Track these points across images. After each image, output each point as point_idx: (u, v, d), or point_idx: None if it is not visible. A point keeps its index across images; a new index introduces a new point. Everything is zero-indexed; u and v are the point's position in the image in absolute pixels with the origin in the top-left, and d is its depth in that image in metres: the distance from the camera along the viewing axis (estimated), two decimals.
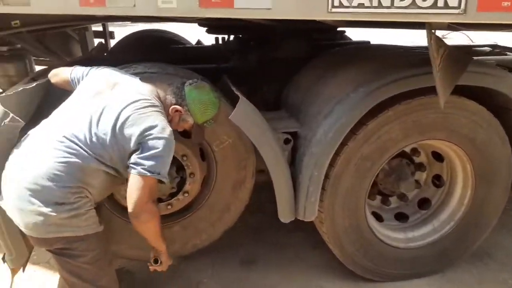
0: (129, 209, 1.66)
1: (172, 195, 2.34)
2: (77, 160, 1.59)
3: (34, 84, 2.11)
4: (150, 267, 1.94)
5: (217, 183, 2.37)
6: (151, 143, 1.63)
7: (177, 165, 2.28)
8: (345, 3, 1.51)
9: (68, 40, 5.01)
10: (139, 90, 1.78)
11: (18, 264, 1.94)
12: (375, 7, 1.48)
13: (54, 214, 1.55)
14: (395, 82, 1.99)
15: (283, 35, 2.90)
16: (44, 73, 2.95)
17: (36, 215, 1.56)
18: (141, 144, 1.64)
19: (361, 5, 1.48)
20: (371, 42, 3.79)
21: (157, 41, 4.33)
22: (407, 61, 2.21)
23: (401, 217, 2.60)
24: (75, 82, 1.94)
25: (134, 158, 1.63)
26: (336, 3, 1.52)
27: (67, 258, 1.68)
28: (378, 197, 2.59)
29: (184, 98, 1.80)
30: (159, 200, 2.31)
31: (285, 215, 2.16)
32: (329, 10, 1.53)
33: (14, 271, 2.00)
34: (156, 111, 1.73)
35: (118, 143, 1.64)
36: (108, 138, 1.62)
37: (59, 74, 2.05)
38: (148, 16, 2.71)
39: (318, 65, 2.62)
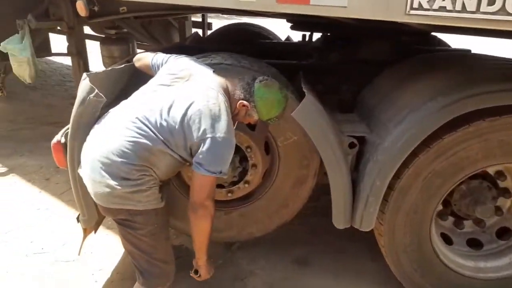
0: (190, 202, 1.80)
1: (234, 184, 2.41)
2: (145, 141, 1.69)
3: (122, 66, 2.31)
4: (190, 275, 2.03)
5: (278, 177, 2.38)
6: (214, 142, 1.69)
7: (241, 156, 2.34)
8: (425, 5, 1.41)
9: (169, 28, 5.38)
10: (211, 83, 1.83)
11: (89, 225, 2.14)
12: (458, 11, 1.36)
13: (119, 187, 1.67)
14: (481, 95, 1.81)
15: (368, 36, 2.78)
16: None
17: (104, 186, 1.68)
18: (204, 141, 1.69)
19: (442, 8, 1.38)
20: (473, 51, 3.47)
21: (246, 34, 4.45)
22: (501, 74, 1.99)
23: (474, 243, 2.37)
24: (155, 68, 2.06)
25: (197, 157, 1.71)
26: (415, 5, 1.43)
27: (128, 228, 1.81)
28: (451, 219, 2.38)
29: (253, 94, 1.83)
30: (221, 186, 2.39)
31: (339, 221, 2.10)
32: (407, 12, 1.45)
33: (86, 232, 2.21)
34: (224, 105, 1.77)
35: (185, 134, 1.71)
36: (176, 126, 1.70)
37: (142, 59, 2.19)
38: (235, 9, 2.81)
39: (400, 70, 2.47)
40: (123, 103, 1.90)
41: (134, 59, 2.25)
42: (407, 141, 1.89)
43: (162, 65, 2.02)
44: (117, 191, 1.68)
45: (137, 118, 1.73)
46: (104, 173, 1.68)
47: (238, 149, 2.33)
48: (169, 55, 2.05)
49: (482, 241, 2.36)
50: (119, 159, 1.67)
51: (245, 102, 1.83)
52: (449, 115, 1.83)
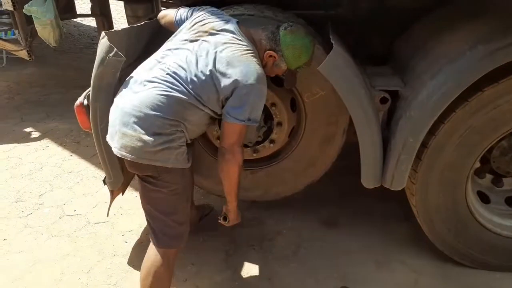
0: (219, 147, 1.81)
1: (258, 143, 2.35)
2: (178, 94, 1.67)
3: (142, 23, 2.23)
4: (218, 221, 2.04)
5: (305, 135, 2.31)
6: (244, 90, 1.67)
7: (266, 113, 2.26)
8: None
9: None
10: (235, 33, 1.79)
11: (116, 187, 2.15)
12: None
13: (151, 142, 1.64)
14: None
15: None
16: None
17: (136, 140, 1.65)
18: (236, 90, 1.67)
19: None
20: None
21: None
22: None
23: None
24: (179, 23, 2.00)
25: (228, 106, 1.70)
26: None
27: (151, 185, 1.80)
28: (489, 176, 2.25)
29: (278, 43, 1.78)
30: (245, 146, 2.34)
31: (368, 180, 2.02)
32: None
33: (113, 194, 2.23)
34: (251, 55, 1.74)
35: (215, 86, 1.68)
36: (206, 79, 1.67)
37: (166, 16, 2.14)
38: None
39: (438, 17, 2.26)
40: (148, 61, 1.85)
41: (158, 16, 2.20)
42: (443, 95, 1.74)
43: (186, 19, 1.97)
44: (149, 146, 1.65)
45: (168, 74, 1.70)
46: (136, 127, 1.65)
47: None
48: (192, 8, 1.98)
49: None
50: (153, 112, 1.64)
51: (272, 52, 1.79)
52: (490, 65, 1.66)
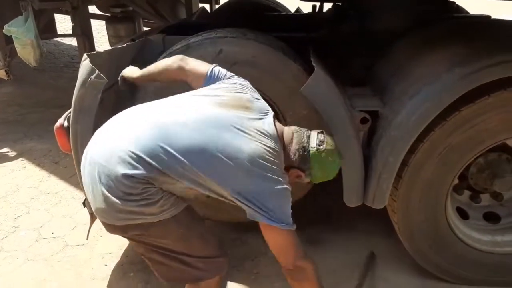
0: (283, 269, 1.58)
1: None
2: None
3: (125, 45, 2.24)
4: None
5: None
6: (275, 199, 1.48)
7: None
8: None
9: (175, 4, 5.26)
10: (267, 128, 1.52)
11: None
12: None
13: (120, 204, 1.36)
14: (501, 64, 1.69)
15: (383, 5, 2.64)
16: (145, 34, 3.14)
17: (104, 201, 1.39)
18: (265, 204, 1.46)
19: None
20: (492, 17, 3.29)
21: (253, 8, 4.31)
22: None
23: (491, 217, 2.29)
24: (210, 79, 1.71)
25: (260, 216, 1.47)
26: None
27: (147, 245, 1.54)
28: (467, 192, 2.30)
29: (308, 161, 1.56)
30: None
31: (351, 199, 2.05)
32: None
33: (93, 216, 2.18)
34: (278, 169, 1.49)
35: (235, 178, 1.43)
36: (221, 166, 1.40)
37: (193, 66, 1.77)
38: None
39: (415, 40, 2.35)
40: (142, 107, 1.59)
41: (177, 59, 1.80)
42: (422, 115, 1.80)
43: (222, 78, 1.70)
44: (120, 206, 1.37)
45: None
46: (104, 187, 1.38)
47: None
48: (232, 74, 1.73)
49: (500, 215, 2.29)
50: (121, 170, 1.35)
51: (299, 172, 1.59)
52: (467, 86, 1.73)
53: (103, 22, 5.09)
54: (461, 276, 2.20)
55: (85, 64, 1.85)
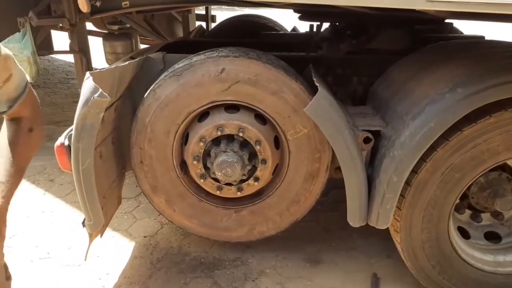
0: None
1: (243, 181, 2.34)
2: None
3: (127, 63, 2.24)
4: None
5: (289, 173, 2.32)
6: None
7: (250, 152, 2.27)
8: None
9: (172, 21, 5.29)
10: None
11: (95, 229, 2.08)
12: None
13: None
14: (504, 85, 1.72)
15: (381, 25, 2.69)
16: (143, 52, 3.15)
17: None
18: None
19: None
20: (486, 38, 3.35)
21: (252, 26, 4.35)
22: None
23: (492, 236, 2.29)
24: None
25: None
26: None
27: None
28: (468, 212, 2.30)
29: None
30: (230, 184, 2.33)
31: (354, 219, 2.03)
32: None
33: (92, 236, 2.15)
34: None
35: None
36: None
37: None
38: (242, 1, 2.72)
39: (414, 60, 2.38)
40: None
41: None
42: (426, 135, 1.81)
43: None
44: None
45: None
46: None
47: (247, 145, 2.27)
48: None
49: (501, 234, 2.29)
50: None
51: None
52: (470, 107, 1.75)
53: (97, 39, 5.10)
54: None
55: (88, 82, 1.84)
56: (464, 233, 2.28)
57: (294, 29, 4.35)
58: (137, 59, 2.40)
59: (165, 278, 2.46)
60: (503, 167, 2.12)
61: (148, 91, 2.26)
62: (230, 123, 2.23)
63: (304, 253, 2.69)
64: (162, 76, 2.28)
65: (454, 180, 1.93)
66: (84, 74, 4.29)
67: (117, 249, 2.71)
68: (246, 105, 2.22)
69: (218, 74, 2.16)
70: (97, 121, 1.87)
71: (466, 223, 2.31)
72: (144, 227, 2.95)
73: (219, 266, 2.56)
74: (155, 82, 2.27)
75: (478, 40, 3.08)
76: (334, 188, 2.36)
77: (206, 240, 2.67)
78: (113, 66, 2.08)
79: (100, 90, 1.81)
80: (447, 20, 3.18)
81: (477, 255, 2.18)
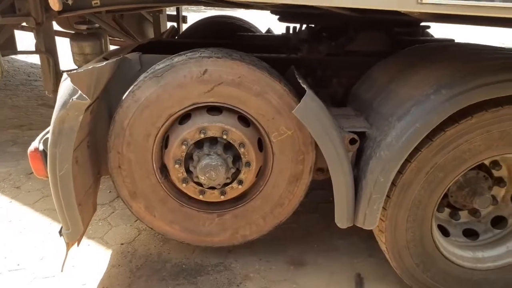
0: None
1: (226, 184, 2.30)
2: None
3: (104, 63, 2.14)
4: None
5: (273, 175, 2.30)
6: None
7: (234, 155, 2.23)
8: None
9: (142, 22, 5.17)
10: None
11: (73, 238, 1.98)
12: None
13: None
14: (485, 86, 1.77)
15: (360, 27, 2.72)
16: (116, 53, 3.04)
17: None
18: None
19: None
20: (456, 41, 3.47)
21: (225, 28, 4.30)
22: (501, 64, 1.96)
23: (470, 233, 2.36)
24: None
25: None
26: None
27: None
28: (447, 210, 2.36)
29: None
30: (213, 188, 2.28)
31: (342, 221, 2.03)
32: (419, 1, 1.37)
33: (69, 245, 2.04)
34: None
35: None
36: None
37: None
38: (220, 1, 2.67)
39: (394, 62, 2.42)
40: None
41: None
42: (412, 136, 1.83)
43: None
44: None
45: None
46: None
47: (231, 149, 2.23)
48: None
49: (478, 231, 2.36)
50: None
51: None
52: (454, 108, 1.79)
53: (60, 39, 4.90)
54: None
55: (66, 84, 1.74)
56: (444, 231, 2.33)
57: (269, 30, 4.34)
58: (114, 60, 2.31)
59: (146, 287, 2.37)
60: (480, 166, 2.18)
61: (126, 93, 2.18)
62: (214, 125, 2.18)
63: (287, 256, 2.67)
64: (141, 77, 2.21)
65: (438, 180, 1.97)
66: (51, 76, 4.13)
67: (93, 258, 2.59)
68: (230, 107, 2.18)
69: (200, 75, 2.11)
70: (76, 124, 1.78)
71: (445, 221, 2.37)
72: (120, 234, 2.84)
73: (202, 272, 2.49)
74: (134, 84, 2.19)
75: (454, 43, 3.17)
76: (314, 189, 2.35)
77: (187, 246, 2.60)
78: (90, 67, 1.98)
79: (80, 91, 1.72)
80: (422, 23, 3.26)
81: (458, 252, 2.24)
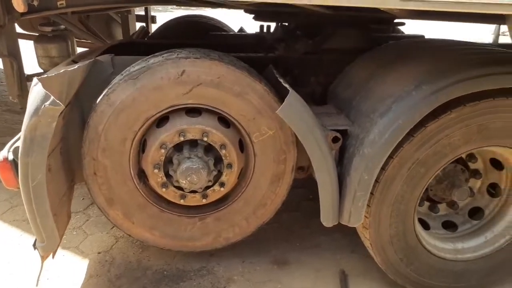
0: None
1: (207, 187, 2.25)
2: None
3: (76, 67, 2.05)
4: None
5: (255, 176, 2.27)
6: None
7: (215, 157, 2.18)
8: None
9: (110, 23, 5.00)
10: None
11: (48, 251, 1.89)
12: None
13: None
14: (464, 81, 1.80)
15: (336, 25, 2.72)
16: (85, 55, 2.92)
17: None
18: None
19: None
20: (425, 37, 3.54)
21: (197, 27, 4.23)
22: (477, 59, 2.00)
23: (448, 225, 2.41)
24: None
25: None
26: None
27: None
28: (426, 203, 2.40)
29: None
30: (194, 192, 2.22)
31: (328, 219, 2.03)
32: None
33: (43, 258, 1.94)
34: None
35: None
36: None
37: None
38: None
39: (372, 59, 2.43)
40: None
41: None
42: (394, 132, 1.84)
43: None
44: None
45: None
46: None
47: (211, 149, 2.18)
48: None
49: (457, 223, 2.42)
50: None
51: None
52: (435, 103, 1.81)
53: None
54: (429, 285, 2.27)
55: (38, 89, 1.65)
56: (424, 224, 2.37)
57: (242, 29, 4.30)
58: (85, 62, 2.21)
59: None
60: (457, 159, 2.23)
61: (100, 97, 2.09)
62: (193, 127, 2.13)
63: (271, 256, 2.65)
64: (116, 80, 2.12)
65: (420, 175, 2.00)
66: (15, 80, 3.92)
67: (69, 269, 2.48)
68: (209, 108, 2.13)
69: (178, 77, 2.05)
70: (49, 131, 1.69)
71: (425, 214, 2.41)
72: (97, 242, 2.73)
73: (184, 277, 2.44)
74: (108, 87, 2.11)
75: (428, 39, 3.22)
76: (295, 187, 2.34)
77: (167, 252, 2.54)
78: (62, 70, 1.88)
79: (52, 97, 1.63)
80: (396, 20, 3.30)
81: (439, 245, 2.28)
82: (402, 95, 1.87)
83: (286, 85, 1.87)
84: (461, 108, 1.88)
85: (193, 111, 2.17)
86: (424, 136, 1.91)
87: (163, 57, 2.11)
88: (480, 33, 8.93)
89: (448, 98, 1.80)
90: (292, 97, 1.78)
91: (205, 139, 2.13)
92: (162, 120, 2.17)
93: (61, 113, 1.94)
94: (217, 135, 2.14)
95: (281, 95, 2.15)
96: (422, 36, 3.50)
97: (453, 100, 1.87)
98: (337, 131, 2.04)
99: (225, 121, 2.20)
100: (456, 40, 2.55)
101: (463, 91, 1.80)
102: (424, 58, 2.08)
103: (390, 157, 1.94)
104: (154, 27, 5.35)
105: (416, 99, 1.82)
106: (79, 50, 4.47)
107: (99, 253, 2.63)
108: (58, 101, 1.63)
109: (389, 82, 2.05)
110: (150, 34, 4.49)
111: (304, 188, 3.23)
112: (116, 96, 2.06)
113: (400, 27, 3.66)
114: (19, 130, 1.76)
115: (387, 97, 1.94)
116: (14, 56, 3.70)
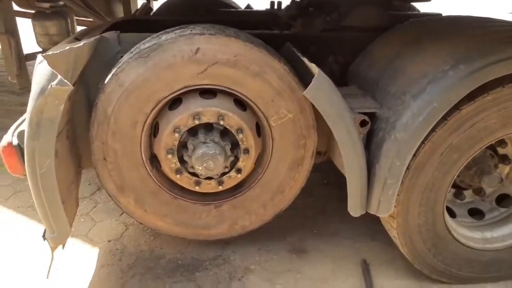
0: None
1: (224, 174, 2.13)
2: None
3: (81, 43, 1.89)
4: None
5: (272, 161, 2.15)
6: None
7: (232, 142, 2.05)
8: None
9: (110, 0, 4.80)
10: None
11: (59, 242, 1.77)
12: None
13: None
14: (507, 60, 1.65)
15: (353, 1, 2.55)
16: (87, 33, 2.75)
17: None
18: None
19: None
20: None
21: (203, 4, 4.04)
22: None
23: (474, 213, 2.30)
24: None
25: None
26: None
27: None
28: (452, 190, 2.29)
29: None
30: (209, 178, 2.10)
31: (355, 209, 1.91)
32: None
33: (53, 249, 1.83)
34: None
35: None
36: None
37: None
38: None
39: (395, 37, 2.28)
40: None
41: None
42: (429, 115, 1.71)
43: None
44: None
45: None
46: None
47: (227, 134, 2.05)
48: None
49: (483, 210, 2.31)
50: None
51: None
52: (473, 84, 1.67)
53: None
54: (456, 275, 2.17)
55: (43, 67, 1.50)
56: (450, 212, 2.26)
57: (248, 6, 4.11)
58: (91, 39, 2.06)
59: (140, 287, 2.19)
60: None
61: (109, 76, 1.95)
62: (208, 110, 1.99)
63: (287, 243, 2.55)
64: (125, 58, 1.98)
65: (452, 161, 1.87)
66: (13, 59, 3.76)
67: (79, 258, 2.37)
68: (225, 89, 1.99)
69: (192, 55, 1.90)
70: (57, 114, 1.55)
71: (450, 201, 2.29)
72: (106, 230, 2.63)
73: (200, 267, 2.34)
74: (117, 66, 1.96)
75: (449, 17, 3.06)
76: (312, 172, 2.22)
77: (180, 239, 2.43)
78: (67, 47, 1.73)
79: (59, 76, 1.48)
80: None
81: (467, 234, 2.17)
82: (438, 76, 1.73)
83: (312, 64, 1.72)
84: (499, 90, 1.74)
85: (207, 92, 2.03)
86: (459, 120, 1.78)
87: (175, 33, 1.96)
88: (497, 14, 8.70)
89: (488, 78, 1.67)
90: (321, 77, 1.64)
91: (221, 122, 2.00)
92: (174, 102, 2.03)
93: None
94: (233, 119, 2.01)
95: (299, 74, 2.01)
96: (440, 14, 3.33)
97: (491, 81, 1.73)
98: (365, 114, 1.90)
99: (241, 103, 2.07)
100: (487, 17, 2.39)
101: (506, 71, 1.66)
102: (457, 36, 1.93)
103: (422, 142, 1.81)
104: (156, 4, 5.15)
105: (453, 80, 1.68)
106: (79, 28, 4.29)
107: (109, 241, 2.52)
108: (66, 81, 1.48)
109: (420, 62, 1.90)
110: (153, 11, 4.30)
111: (318, 172, 3.10)
112: (126, 75, 1.91)
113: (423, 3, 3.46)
114: (18, 112, 1.63)
115: (420, 78, 1.80)
116: (11, 34, 3.54)
